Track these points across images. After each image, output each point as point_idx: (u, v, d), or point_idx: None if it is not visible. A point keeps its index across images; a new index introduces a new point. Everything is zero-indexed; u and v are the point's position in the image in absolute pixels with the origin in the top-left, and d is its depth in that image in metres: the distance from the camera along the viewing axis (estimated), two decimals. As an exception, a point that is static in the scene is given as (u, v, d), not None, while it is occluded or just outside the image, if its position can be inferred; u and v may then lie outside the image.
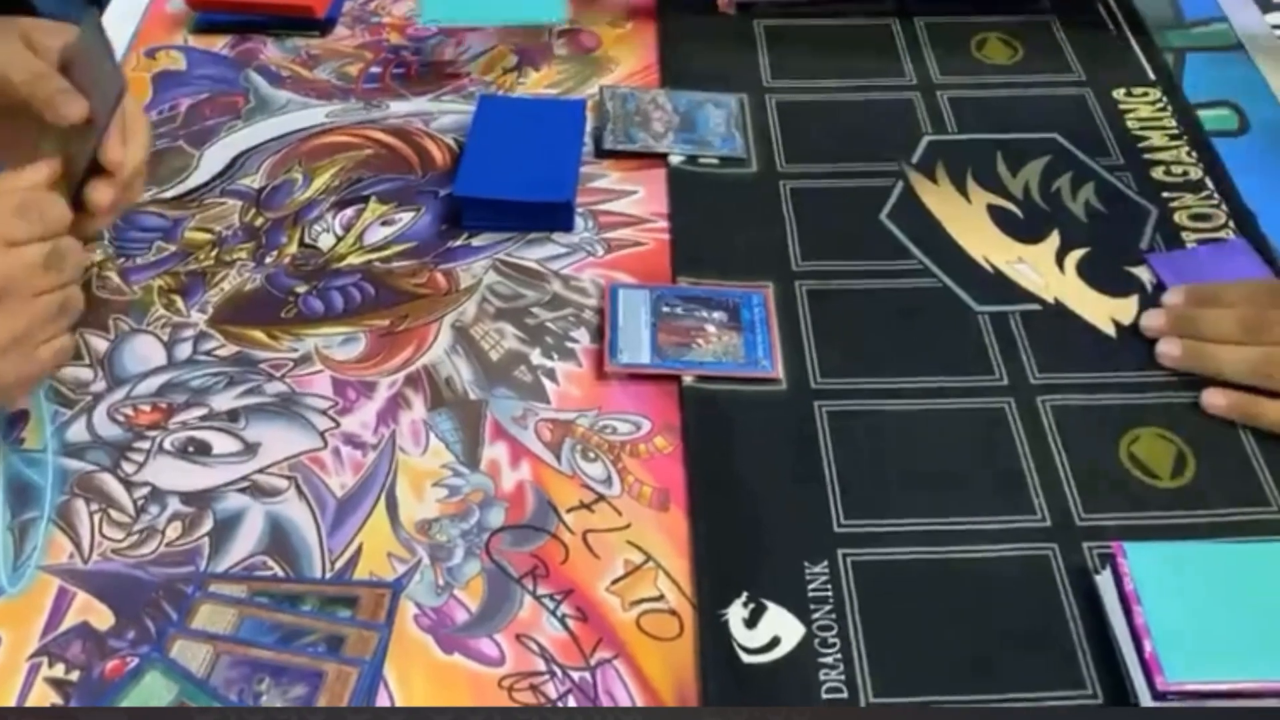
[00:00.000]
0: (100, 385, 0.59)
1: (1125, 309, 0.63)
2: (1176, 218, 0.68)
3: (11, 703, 0.47)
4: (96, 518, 0.53)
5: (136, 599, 0.51)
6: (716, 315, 0.62)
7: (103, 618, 0.50)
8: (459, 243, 0.67)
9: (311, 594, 0.51)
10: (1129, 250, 0.66)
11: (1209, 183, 0.70)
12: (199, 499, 0.54)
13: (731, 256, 0.66)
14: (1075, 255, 0.66)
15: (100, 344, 0.61)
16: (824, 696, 0.48)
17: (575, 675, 0.48)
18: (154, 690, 0.47)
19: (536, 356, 0.61)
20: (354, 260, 0.66)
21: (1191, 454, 0.56)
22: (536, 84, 0.77)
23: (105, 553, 0.52)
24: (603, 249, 0.67)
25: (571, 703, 0.48)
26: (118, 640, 0.49)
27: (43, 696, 0.48)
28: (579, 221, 0.68)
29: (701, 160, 0.71)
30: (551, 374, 0.60)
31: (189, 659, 0.49)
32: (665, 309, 0.62)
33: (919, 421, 0.58)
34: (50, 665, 0.48)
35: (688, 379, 0.59)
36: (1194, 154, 0.72)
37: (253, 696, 0.47)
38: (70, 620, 0.50)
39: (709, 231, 0.67)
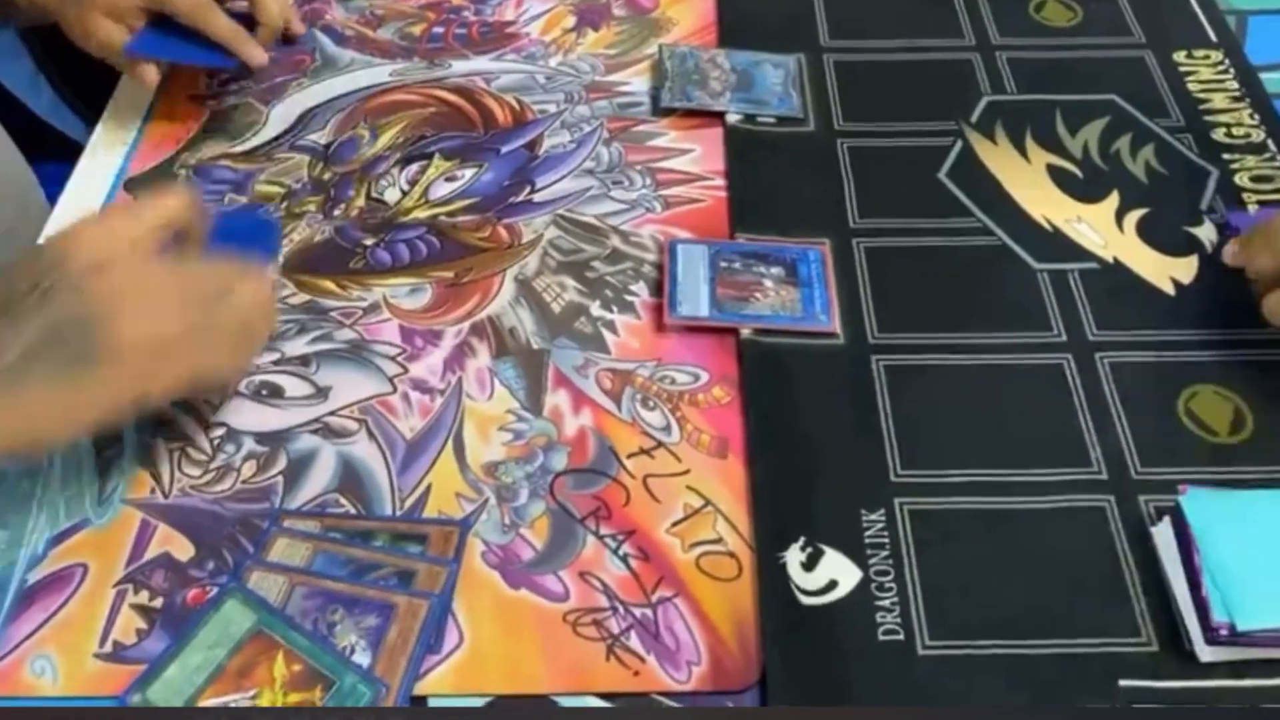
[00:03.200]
0: (177, 330, 0.61)
1: (1185, 268, 0.63)
2: (1237, 179, 0.68)
3: (101, 625, 0.49)
4: (175, 455, 0.56)
5: (215, 532, 0.53)
6: (774, 270, 0.63)
7: (183, 549, 0.52)
8: (521, 198, 0.68)
9: (382, 530, 0.53)
10: (1189, 211, 0.66)
11: (1271, 145, 0.70)
12: (273, 439, 0.56)
13: (789, 214, 0.66)
14: (1135, 215, 0.66)
15: (176, 291, 0.63)
16: (880, 639, 0.49)
17: (637, 611, 0.50)
18: (233, 617, 0.49)
19: (596, 309, 0.62)
20: (419, 214, 0.67)
21: (1250, 411, 0.56)
22: (595, 44, 0.78)
23: (184, 488, 0.54)
24: (660, 206, 0.67)
25: (634, 637, 0.49)
26: (198, 570, 0.51)
27: (129, 621, 0.50)
28: (637, 178, 0.69)
29: (759, 119, 0.72)
30: (611, 325, 0.61)
31: (266, 589, 0.51)
32: (723, 264, 0.63)
33: (976, 377, 0.58)
34: (135, 592, 0.51)
35: (745, 332, 0.60)
36: (1256, 116, 0.71)
37: (326, 626, 0.49)
38: (153, 551, 0.52)
39: (766, 189, 0.68)
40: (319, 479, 0.55)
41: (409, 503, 0.54)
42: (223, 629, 0.49)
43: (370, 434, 0.56)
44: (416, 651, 0.48)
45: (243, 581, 0.51)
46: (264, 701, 0.47)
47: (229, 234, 0.55)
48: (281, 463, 0.55)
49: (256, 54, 0.70)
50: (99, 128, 0.73)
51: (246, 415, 0.57)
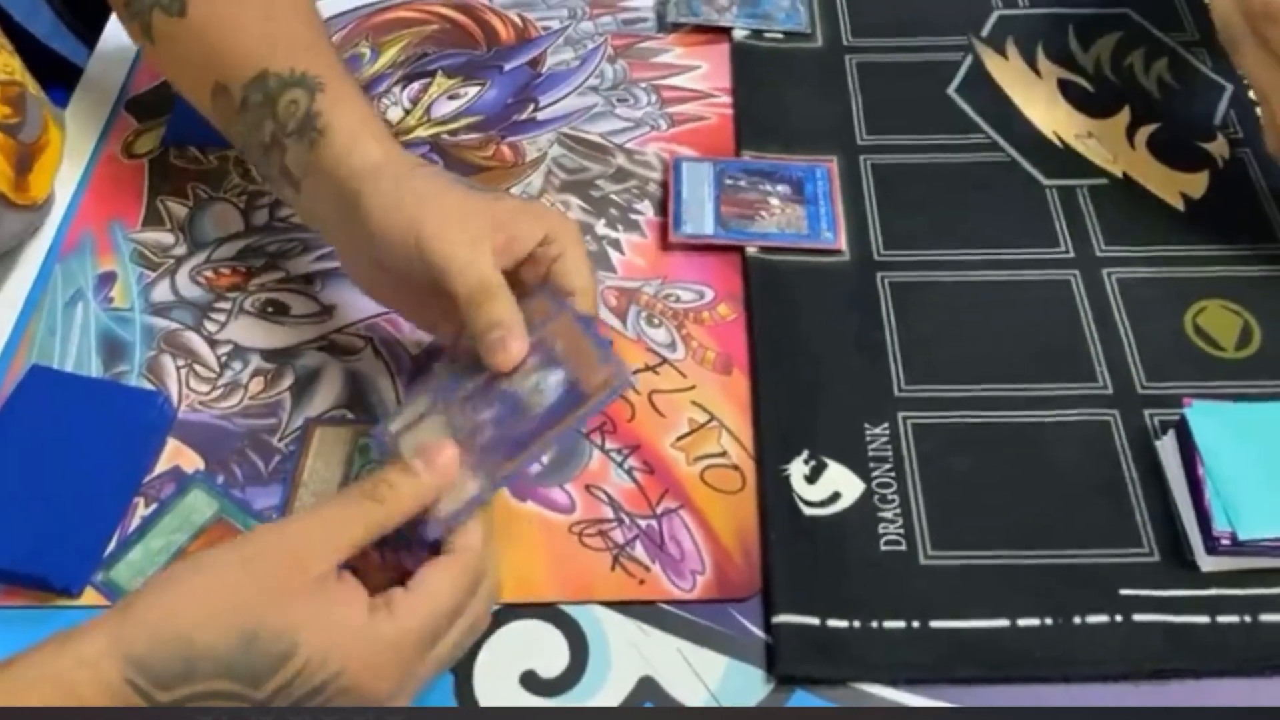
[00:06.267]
0: (181, 249, 0.61)
1: (1195, 184, 0.62)
2: (1252, 94, 0.67)
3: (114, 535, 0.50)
4: (183, 372, 0.56)
5: (223, 447, 0.53)
6: (780, 188, 0.62)
7: (192, 462, 0.53)
8: (524, 116, 0.67)
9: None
10: (1202, 126, 0.65)
11: (1288, 59, 0.68)
12: (279, 356, 0.56)
13: (795, 131, 0.66)
14: (1146, 130, 0.65)
15: (180, 210, 0.63)
16: (883, 549, 0.49)
17: (642, 522, 0.50)
18: (197, 505, 0.51)
19: (601, 227, 0.62)
20: (422, 133, 0.66)
21: (1258, 325, 0.56)
22: (599, -40, 0.76)
23: (193, 404, 0.55)
24: (666, 123, 0.67)
25: (639, 547, 0.50)
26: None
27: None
28: (642, 95, 0.68)
29: (766, 35, 0.71)
30: (616, 244, 0.61)
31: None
32: (729, 181, 0.63)
33: (983, 293, 0.58)
34: (146, 506, 0.51)
35: (751, 250, 0.60)
36: (1274, 30, 0.70)
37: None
38: (163, 465, 0.53)
39: (773, 106, 0.67)
40: (326, 395, 0.55)
41: (415, 418, 0.54)
42: (185, 516, 0.50)
43: (376, 351, 0.56)
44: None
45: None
46: None
47: (109, 409, 0.52)
48: (289, 379, 0.55)
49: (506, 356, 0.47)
50: (98, 49, 0.72)
51: (253, 332, 0.57)
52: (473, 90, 0.69)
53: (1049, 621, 0.47)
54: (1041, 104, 0.66)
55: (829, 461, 0.52)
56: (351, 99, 0.51)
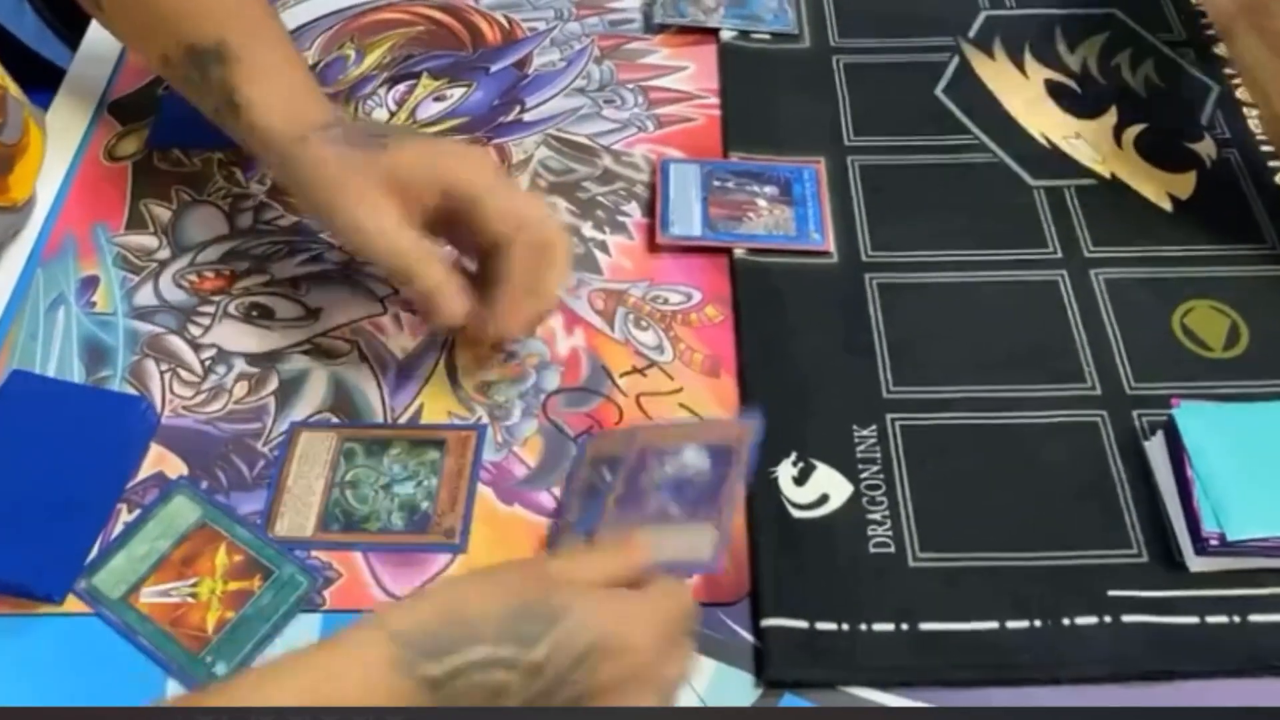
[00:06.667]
0: (165, 253, 0.60)
1: (1182, 184, 0.62)
2: (1238, 94, 0.67)
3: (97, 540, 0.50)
4: (166, 377, 0.55)
5: (207, 452, 0.53)
6: (768, 189, 0.62)
7: (176, 467, 0.52)
8: (511, 118, 0.67)
9: (399, 438, 0.53)
10: (1189, 127, 0.65)
11: (1274, 59, 0.68)
12: (264, 360, 0.56)
13: (783, 132, 0.65)
14: (1133, 131, 0.65)
15: (163, 213, 0.62)
16: (871, 551, 0.49)
17: (630, 526, 0.50)
18: (180, 511, 0.50)
19: (588, 229, 0.62)
20: (407, 135, 0.66)
21: (1245, 325, 0.56)
22: (585, -39, 0.76)
23: (176, 409, 0.54)
24: (653, 124, 0.66)
25: (627, 551, 0.49)
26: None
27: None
28: (629, 97, 0.68)
29: (753, 36, 0.70)
30: (604, 246, 0.61)
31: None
32: (716, 183, 0.62)
33: (970, 294, 0.58)
34: (129, 511, 0.51)
35: (739, 251, 0.60)
36: (1260, 30, 0.70)
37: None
38: (146, 471, 0.52)
39: (760, 107, 0.67)
40: (311, 399, 0.54)
41: (402, 421, 0.54)
42: (169, 522, 0.50)
43: (362, 354, 0.56)
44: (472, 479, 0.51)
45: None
46: (203, 589, 0.48)
47: (91, 415, 0.52)
48: (273, 383, 0.55)
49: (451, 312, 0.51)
50: (80, 52, 0.72)
51: (237, 336, 0.57)
52: (458, 92, 0.68)
53: (1038, 623, 0.47)
54: (1028, 104, 0.66)
55: (817, 463, 0.52)
56: (264, 69, 0.52)
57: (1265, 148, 0.63)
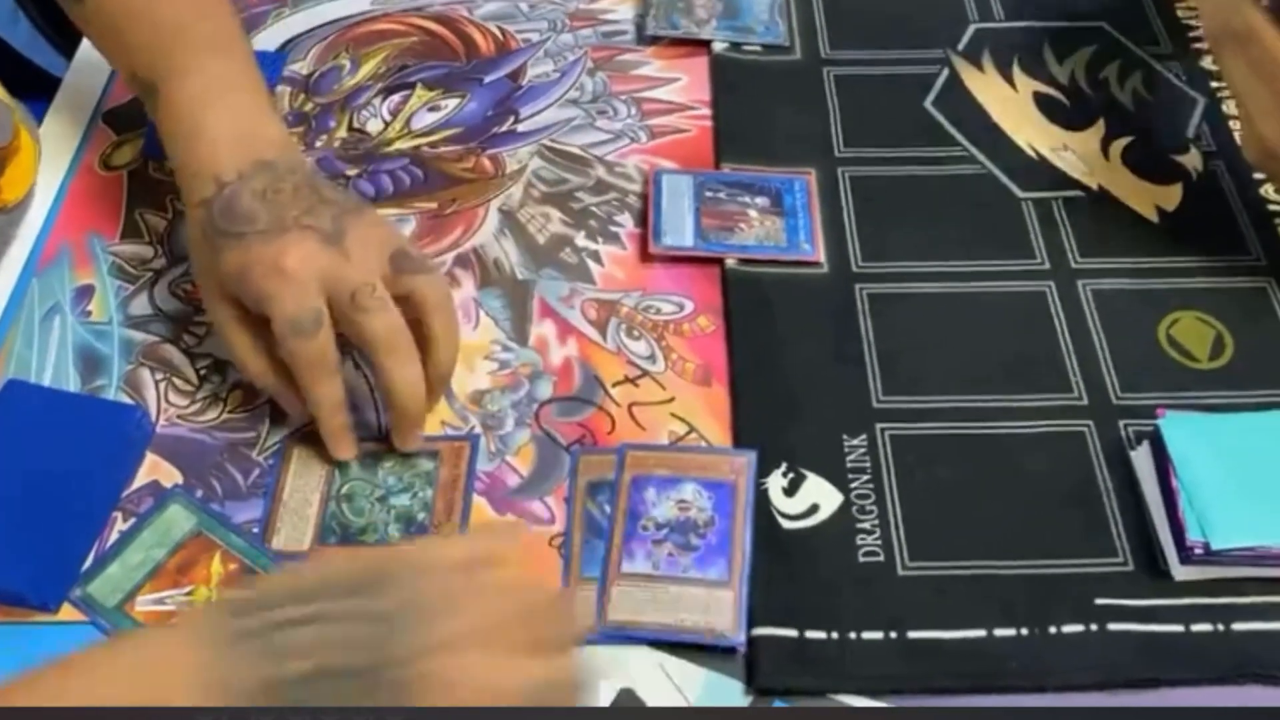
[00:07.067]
0: (160, 262, 0.61)
1: (1169, 196, 0.63)
2: (1225, 107, 0.67)
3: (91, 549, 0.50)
4: (162, 385, 0.56)
5: (202, 461, 0.53)
6: (759, 200, 0.63)
7: (171, 476, 0.52)
8: (505, 128, 0.67)
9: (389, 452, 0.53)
10: (1175, 139, 0.66)
11: (1260, 72, 0.69)
12: (259, 369, 0.56)
13: (774, 143, 0.66)
14: (1121, 143, 0.66)
15: (158, 222, 0.63)
16: (861, 560, 0.50)
17: (622, 535, 0.50)
18: (175, 520, 0.51)
19: (581, 239, 0.62)
20: (402, 145, 0.67)
21: (1230, 336, 0.57)
22: (579, -28, 0.77)
23: (171, 418, 0.55)
24: (645, 135, 0.67)
25: (619, 560, 0.50)
26: (186, 498, 0.52)
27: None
28: (622, 108, 0.68)
29: (745, 48, 0.71)
30: (596, 256, 0.61)
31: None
32: (708, 194, 0.63)
33: (959, 304, 0.59)
34: (124, 520, 0.51)
35: (730, 262, 0.60)
36: (1246, 43, 0.71)
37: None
38: (141, 479, 0.52)
39: (752, 118, 0.67)
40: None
41: (395, 431, 0.54)
42: (164, 531, 0.50)
43: (355, 363, 0.56)
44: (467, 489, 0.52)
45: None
46: (198, 597, 0.48)
47: (86, 424, 0.52)
48: (267, 392, 0.55)
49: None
50: (75, 60, 0.72)
51: (232, 346, 0.57)
52: (453, 102, 0.69)
53: (1025, 631, 0.47)
54: (1017, 117, 0.67)
55: (807, 473, 0.52)
56: (176, 106, 0.54)
57: (1250, 160, 0.64)
